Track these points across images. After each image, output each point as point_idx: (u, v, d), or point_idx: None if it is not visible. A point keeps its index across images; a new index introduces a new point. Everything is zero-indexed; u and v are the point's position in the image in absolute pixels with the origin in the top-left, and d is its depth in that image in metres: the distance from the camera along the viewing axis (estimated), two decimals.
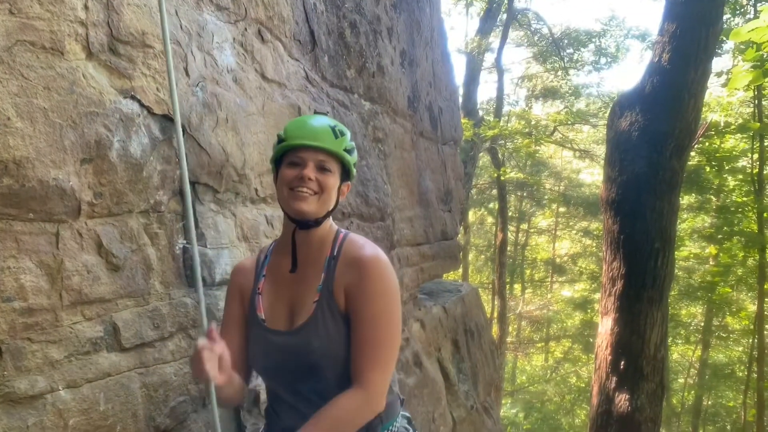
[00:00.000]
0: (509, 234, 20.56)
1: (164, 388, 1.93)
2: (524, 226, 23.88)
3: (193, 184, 2.18)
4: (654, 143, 7.26)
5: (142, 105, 1.91)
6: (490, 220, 23.40)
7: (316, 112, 1.79)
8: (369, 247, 1.71)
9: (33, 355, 1.52)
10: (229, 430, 2.29)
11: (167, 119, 2.03)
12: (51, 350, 1.57)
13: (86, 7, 1.72)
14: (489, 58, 18.75)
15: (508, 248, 20.14)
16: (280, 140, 1.73)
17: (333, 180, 1.70)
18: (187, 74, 2.13)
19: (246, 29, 2.60)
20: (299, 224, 1.72)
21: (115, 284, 1.79)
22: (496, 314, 18.74)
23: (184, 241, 2.14)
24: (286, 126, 1.75)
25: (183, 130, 2.11)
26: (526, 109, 20.71)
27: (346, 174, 1.76)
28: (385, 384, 1.64)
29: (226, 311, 1.86)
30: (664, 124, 7.19)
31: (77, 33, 1.69)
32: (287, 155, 1.70)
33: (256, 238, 2.56)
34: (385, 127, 4.38)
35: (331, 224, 1.79)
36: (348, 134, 1.74)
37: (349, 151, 1.73)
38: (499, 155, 18.54)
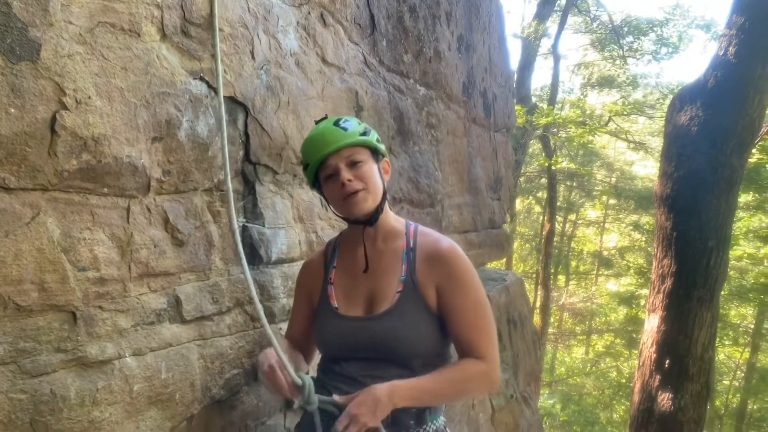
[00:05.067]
0: (556, 224, 20.25)
1: (220, 360, 2.00)
2: (572, 216, 23.49)
3: (254, 164, 2.24)
4: (714, 139, 7.03)
5: (209, 86, 1.97)
6: (537, 209, 23.09)
7: (316, 122, 1.86)
8: (444, 241, 1.79)
9: (103, 322, 1.61)
10: (279, 403, 2.36)
11: (233, 101, 2.09)
12: (119, 319, 1.65)
13: None
14: (545, 44, 18.42)
15: (555, 239, 19.86)
16: (306, 166, 1.82)
17: (368, 167, 1.76)
18: (253, 57, 2.18)
19: (309, 13, 2.63)
20: (366, 222, 1.80)
21: (179, 259, 1.87)
22: (538, 304, 18.58)
23: (244, 220, 2.21)
24: (302, 151, 1.84)
25: (247, 113, 2.17)
26: (581, 97, 20.27)
27: (376, 155, 1.82)
28: (499, 360, 1.73)
29: (294, 304, 2.03)
30: (727, 120, 6.96)
31: (153, 15, 1.75)
32: (320, 174, 1.79)
33: (311, 220, 2.61)
34: (439, 113, 4.38)
35: (396, 216, 1.88)
36: (355, 120, 1.81)
37: (365, 134, 1.79)
38: (551, 144, 18.24)
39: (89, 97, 1.53)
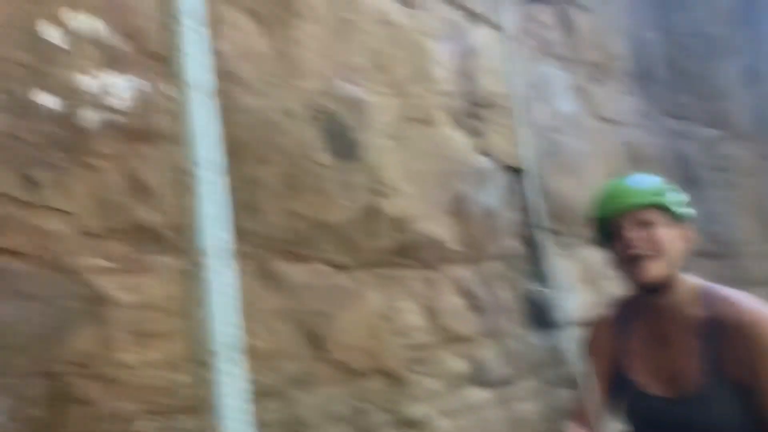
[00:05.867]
0: None
1: (521, 423, 2.04)
2: None
3: (537, 228, 2.30)
4: None
5: (494, 160, 2.09)
6: None
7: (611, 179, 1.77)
8: (745, 307, 1.56)
9: (418, 385, 1.77)
10: None
11: (514, 171, 2.19)
12: (431, 382, 1.80)
13: (450, 81, 1.97)
14: None
15: None
16: (593, 222, 1.73)
17: (660, 231, 1.59)
18: (531, 125, 2.27)
19: (582, 73, 2.66)
20: (652, 291, 1.65)
21: (477, 324, 1.98)
22: None
23: (532, 284, 2.26)
24: (592, 208, 1.74)
25: (527, 179, 2.26)
26: None
27: (675, 218, 1.63)
28: None
29: (595, 367, 1.86)
30: None
31: (444, 105, 1.95)
32: (608, 231, 1.68)
33: (597, 280, 2.56)
34: (728, 153, 3.99)
35: (689, 279, 1.67)
36: (652, 179, 1.67)
37: (659, 194, 1.62)
38: None
39: (399, 183, 1.75)
